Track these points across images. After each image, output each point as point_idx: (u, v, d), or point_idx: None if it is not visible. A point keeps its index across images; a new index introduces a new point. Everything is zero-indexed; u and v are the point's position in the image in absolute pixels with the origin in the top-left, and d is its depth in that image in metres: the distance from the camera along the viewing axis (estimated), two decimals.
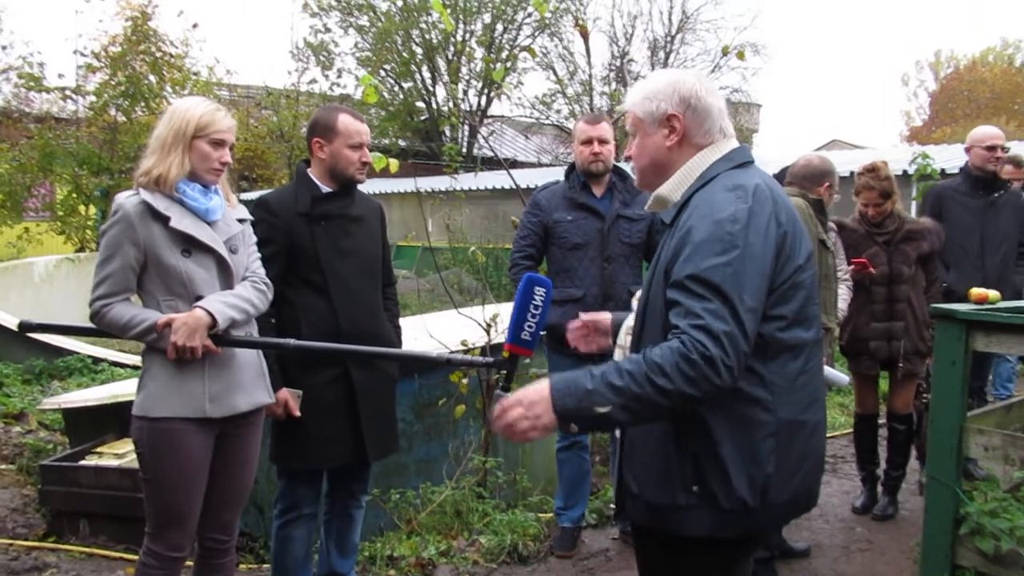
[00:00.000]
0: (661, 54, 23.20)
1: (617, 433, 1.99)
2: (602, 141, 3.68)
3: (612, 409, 1.60)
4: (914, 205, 6.71)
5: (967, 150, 4.89)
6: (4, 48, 15.30)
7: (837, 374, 2.60)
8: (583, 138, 3.72)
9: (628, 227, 3.73)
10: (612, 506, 2.63)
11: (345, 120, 2.95)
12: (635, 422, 1.70)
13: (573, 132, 3.89)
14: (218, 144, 2.46)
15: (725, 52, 9.91)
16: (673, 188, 1.86)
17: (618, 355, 2.40)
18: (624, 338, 2.31)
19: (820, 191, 3.67)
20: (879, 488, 4.36)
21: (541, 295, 1.90)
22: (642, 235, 3.74)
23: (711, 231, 1.66)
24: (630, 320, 2.30)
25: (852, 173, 10.80)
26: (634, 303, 2.25)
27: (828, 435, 5.91)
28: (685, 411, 1.65)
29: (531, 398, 1.66)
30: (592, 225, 3.71)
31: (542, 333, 2.02)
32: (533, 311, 1.90)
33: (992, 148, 4.75)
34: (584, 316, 2.29)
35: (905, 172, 8.29)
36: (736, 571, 1.87)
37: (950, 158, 9.84)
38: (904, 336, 4.08)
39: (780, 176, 3.73)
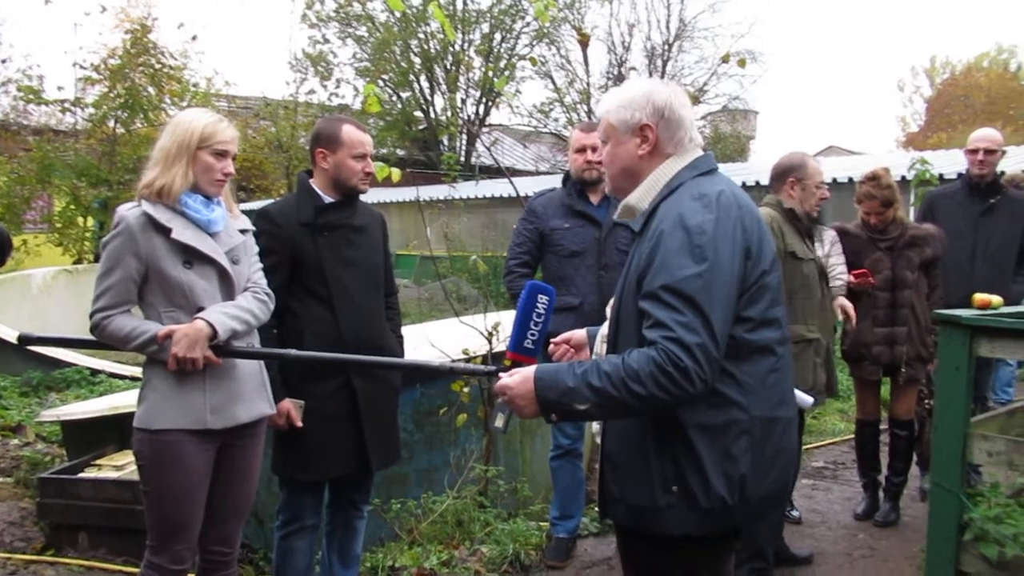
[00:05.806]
0: (659, 62, 23.25)
1: (598, 440, 2.04)
2: (595, 149, 3.66)
3: (590, 407, 1.70)
4: (912, 211, 6.71)
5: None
6: (4, 61, 15.33)
7: (803, 396, 2.61)
8: (577, 146, 3.74)
9: (625, 235, 3.69)
10: (596, 509, 2.66)
11: (349, 131, 2.95)
12: (611, 418, 1.85)
13: (569, 140, 3.89)
14: (221, 155, 2.46)
15: (726, 59, 9.93)
16: (641, 197, 1.90)
17: None
18: (600, 346, 2.34)
19: (786, 189, 3.56)
20: (880, 494, 4.35)
21: (544, 303, 1.90)
22: None
23: (681, 243, 1.71)
24: (604, 329, 2.32)
25: (851, 179, 10.86)
26: (607, 311, 2.26)
27: (828, 442, 5.90)
28: (657, 413, 1.74)
29: (517, 388, 1.78)
30: (589, 233, 3.70)
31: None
32: (536, 319, 1.90)
33: (973, 151, 4.51)
34: (557, 339, 2.34)
35: (903, 178, 8.32)
36: (719, 566, 1.91)
37: (949, 163, 9.86)
38: (906, 342, 4.08)
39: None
